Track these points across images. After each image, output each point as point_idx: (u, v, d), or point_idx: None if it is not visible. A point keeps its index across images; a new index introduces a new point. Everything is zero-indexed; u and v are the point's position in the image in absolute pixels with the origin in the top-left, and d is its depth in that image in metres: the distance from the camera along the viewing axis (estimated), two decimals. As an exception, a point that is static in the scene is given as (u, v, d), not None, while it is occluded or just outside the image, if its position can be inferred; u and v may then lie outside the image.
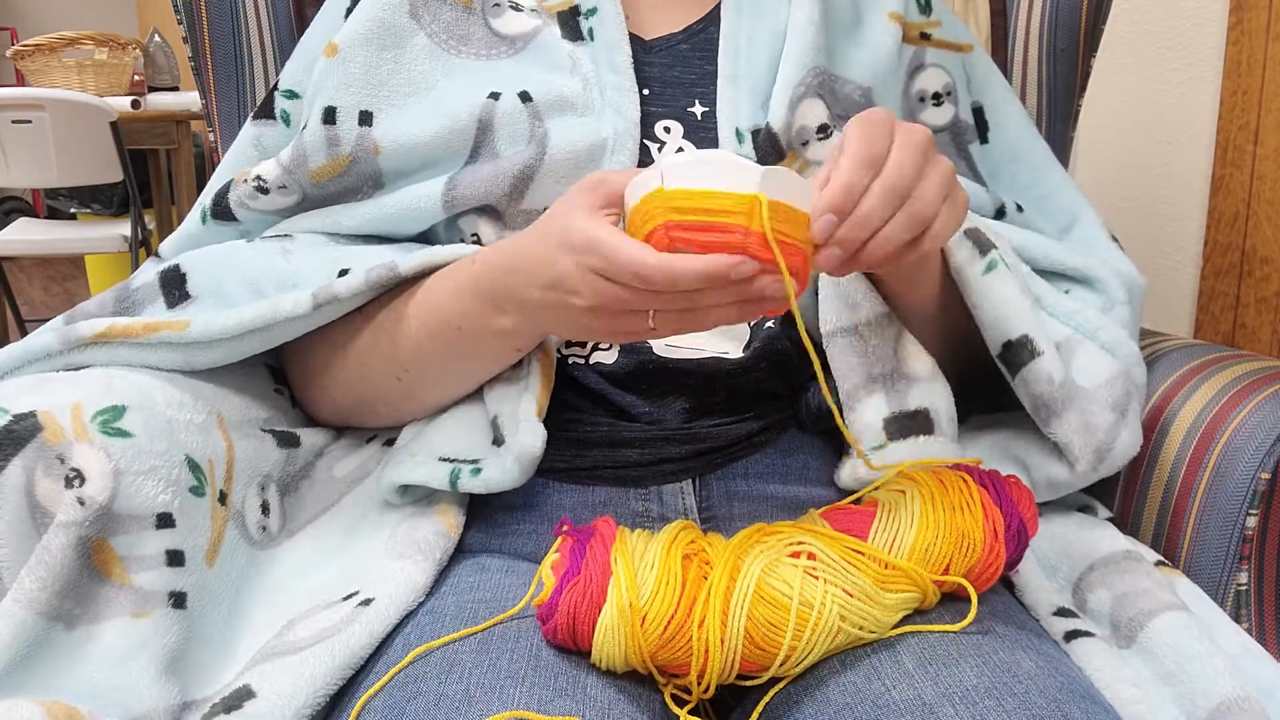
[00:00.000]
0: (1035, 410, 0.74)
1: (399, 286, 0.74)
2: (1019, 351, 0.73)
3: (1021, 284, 0.75)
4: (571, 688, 0.57)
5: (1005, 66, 1.06)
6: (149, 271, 0.79)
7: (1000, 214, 0.86)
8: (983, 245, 0.74)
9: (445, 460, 0.71)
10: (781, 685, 0.60)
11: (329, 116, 0.78)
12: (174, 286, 0.77)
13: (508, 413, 0.72)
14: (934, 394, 0.73)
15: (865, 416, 0.72)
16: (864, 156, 0.58)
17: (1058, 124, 1.05)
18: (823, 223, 0.56)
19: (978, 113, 0.89)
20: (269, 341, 0.73)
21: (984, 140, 0.89)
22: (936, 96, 0.87)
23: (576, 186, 0.62)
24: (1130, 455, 0.74)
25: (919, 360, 0.74)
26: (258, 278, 0.75)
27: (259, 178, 0.79)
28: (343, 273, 0.73)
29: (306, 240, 0.79)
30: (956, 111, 0.88)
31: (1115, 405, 0.73)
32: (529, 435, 0.68)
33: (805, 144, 0.78)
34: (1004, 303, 0.73)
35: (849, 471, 0.73)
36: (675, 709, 0.60)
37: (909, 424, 0.71)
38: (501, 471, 0.69)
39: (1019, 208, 0.87)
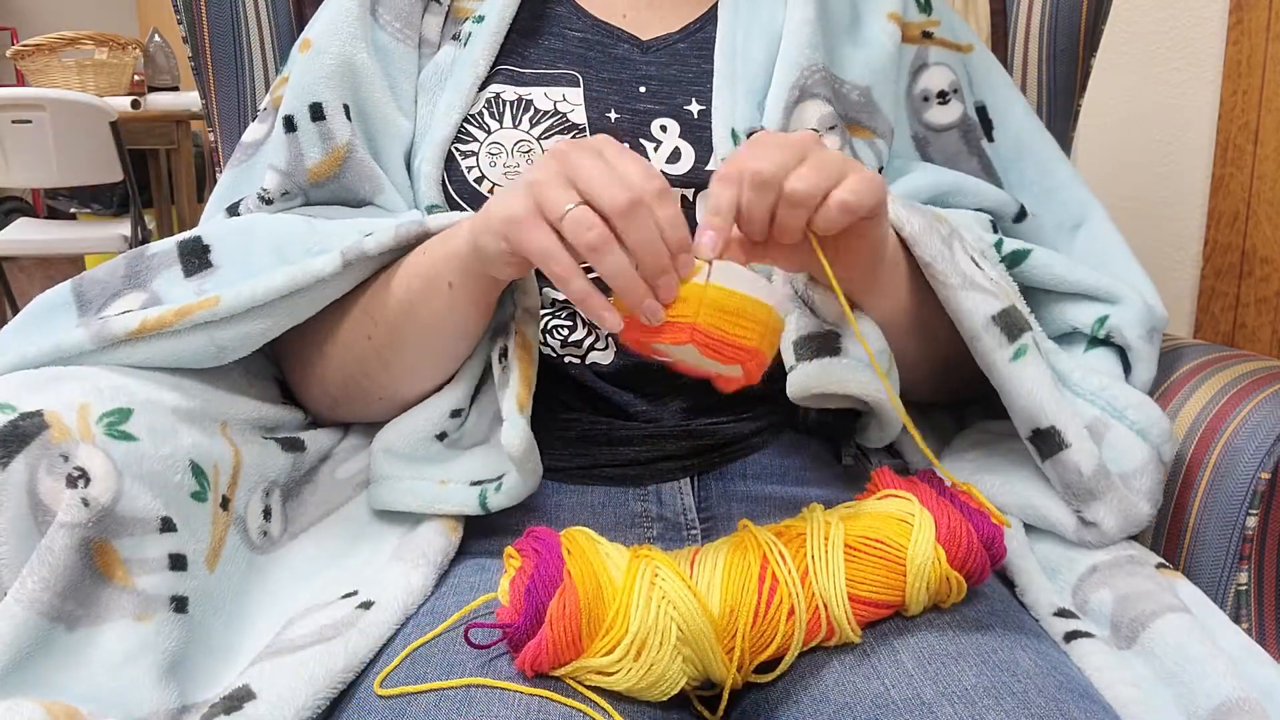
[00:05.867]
0: (1064, 493, 0.72)
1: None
2: (1048, 440, 0.71)
3: (1049, 368, 0.73)
4: (572, 688, 0.57)
5: (1005, 66, 1.06)
6: (166, 241, 0.76)
7: (1021, 216, 0.86)
8: (1013, 329, 0.71)
9: (476, 484, 0.71)
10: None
11: (317, 112, 0.78)
12: (194, 255, 0.74)
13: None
14: (845, 324, 0.71)
15: (784, 337, 0.71)
16: (723, 174, 0.60)
17: (1058, 124, 1.05)
18: (705, 239, 0.58)
19: (981, 111, 0.89)
20: (296, 312, 0.71)
21: (990, 138, 0.89)
22: (943, 94, 0.87)
23: None
24: None
25: (828, 306, 0.72)
26: (283, 245, 0.73)
27: (263, 189, 0.79)
28: (369, 235, 0.72)
29: (325, 211, 0.79)
30: (965, 109, 0.88)
31: (1150, 497, 0.72)
32: (508, 433, 0.67)
33: None
34: (1033, 391, 0.70)
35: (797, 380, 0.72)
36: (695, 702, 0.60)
37: (816, 345, 0.70)
38: (512, 481, 0.69)
39: (1031, 212, 0.87)
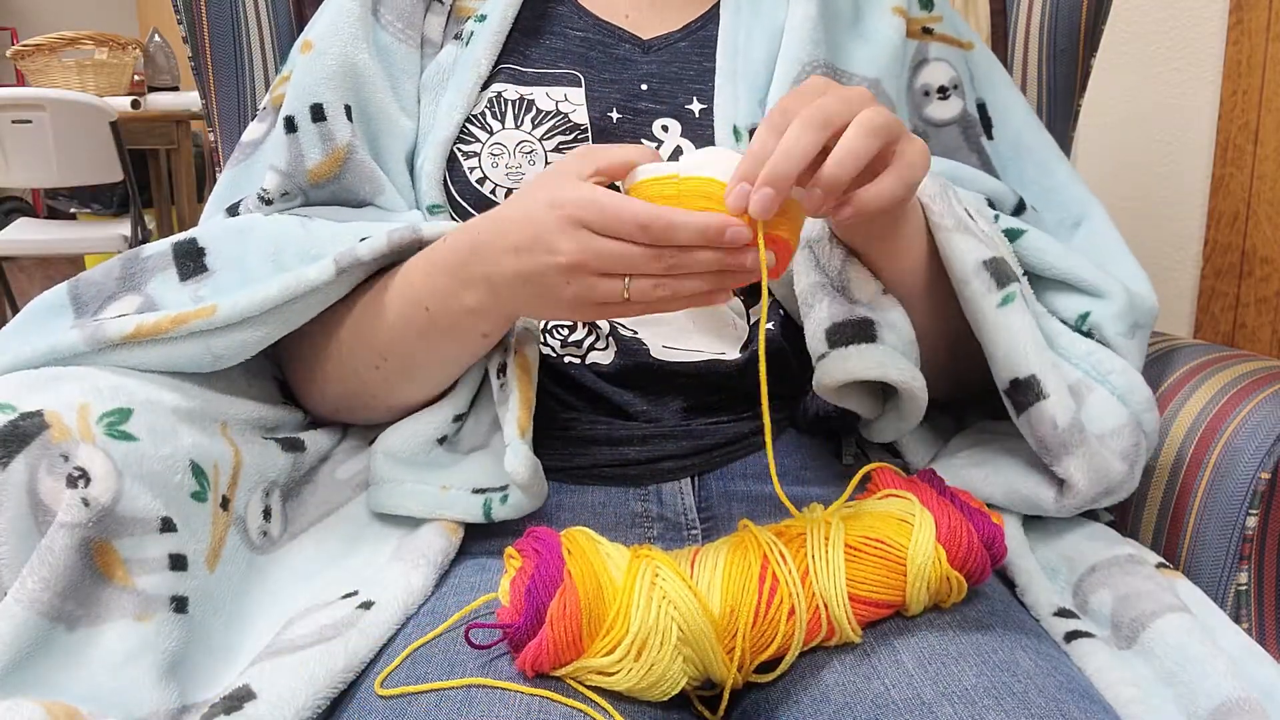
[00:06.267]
0: (1039, 450, 0.72)
1: (387, 270, 0.74)
2: (1025, 391, 0.70)
3: (1034, 321, 0.73)
4: (573, 688, 0.57)
5: (1005, 66, 1.06)
6: (162, 243, 0.77)
7: (1020, 209, 0.85)
8: (1002, 277, 0.71)
9: (478, 491, 0.71)
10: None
11: (318, 113, 0.78)
12: (189, 259, 0.74)
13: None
14: (878, 310, 0.72)
15: (814, 324, 0.71)
16: (773, 123, 0.59)
17: (1058, 124, 1.06)
18: (735, 194, 0.57)
19: (981, 109, 0.89)
20: (290, 320, 0.71)
21: (989, 136, 0.89)
22: (943, 90, 0.87)
23: (564, 158, 0.64)
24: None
25: (863, 286, 0.72)
26: (278, 250, 0.73)
27: (262, 189, 0.79)
28: (363, 240, 0.72)
29: (323, 211, 0.79)
30: (965, 105, 0.87)
31: (1125, 456, 0.71)
32: (511, 460, 0.67)
33: None
34: (1016, 338, 0.70)
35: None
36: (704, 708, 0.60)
37: (851, 331, 0.70)
38: (518, 496, 0.69)
39: (1030, 206, 0.87)
